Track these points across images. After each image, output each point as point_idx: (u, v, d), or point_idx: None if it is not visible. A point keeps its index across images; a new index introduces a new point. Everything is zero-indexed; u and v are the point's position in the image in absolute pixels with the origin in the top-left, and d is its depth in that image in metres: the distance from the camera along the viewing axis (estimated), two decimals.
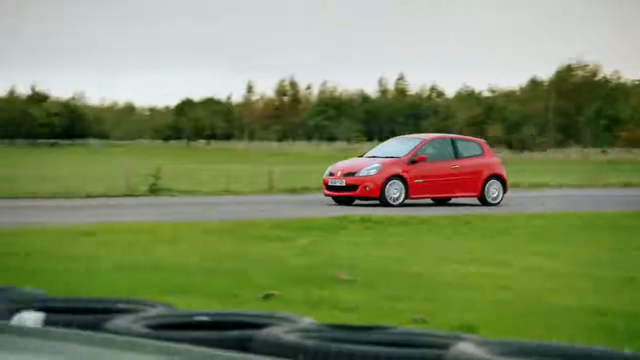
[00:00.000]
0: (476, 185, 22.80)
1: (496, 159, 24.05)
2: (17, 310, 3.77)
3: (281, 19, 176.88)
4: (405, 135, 26.49)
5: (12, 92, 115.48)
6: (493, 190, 22.94)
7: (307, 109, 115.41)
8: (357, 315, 7.74)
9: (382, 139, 59.46)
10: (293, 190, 26.90)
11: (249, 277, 9.88)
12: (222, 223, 16.13)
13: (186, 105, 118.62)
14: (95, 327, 3.58)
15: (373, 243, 13.60)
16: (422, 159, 22.38)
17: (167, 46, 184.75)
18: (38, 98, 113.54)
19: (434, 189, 22.53)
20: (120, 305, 4.08)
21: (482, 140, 24.75)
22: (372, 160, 22.69)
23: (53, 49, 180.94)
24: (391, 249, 12.90)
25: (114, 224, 15.69)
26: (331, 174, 22.28)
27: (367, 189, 21.67)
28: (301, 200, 23.66)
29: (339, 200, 22.33)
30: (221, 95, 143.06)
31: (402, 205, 21.53)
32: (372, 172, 21.83)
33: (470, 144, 23.89)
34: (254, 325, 3.70)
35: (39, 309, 3.73)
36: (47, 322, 3.65)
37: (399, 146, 23.55)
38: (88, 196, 23.94)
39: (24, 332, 3.51)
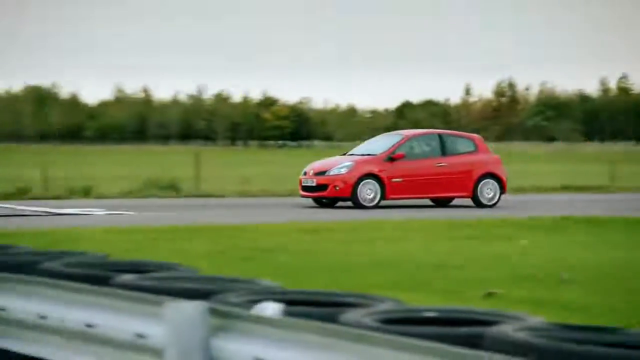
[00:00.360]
0: (467, 185, 20.37)
1: (493, 156, 21.28)
2: (258, 302, 3.89)
3: (490, 18, 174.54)
4: (392, 132, 23.75)
5: (245, 97, 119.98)
6: (487, 190, 20.46)
7: (525, 110, 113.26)
8: (585, 315, 7.47)
9: (602, 139, 57.20)
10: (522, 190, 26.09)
11: (473, 275, 9.78)
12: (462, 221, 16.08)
13: (406, 108, 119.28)
14: (329, 319, 3.63)
15: (596, 243, 13.10)
16: (401, 157, 20.06)
17: (386, 51, 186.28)
18: (268, 102, 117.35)
19: (416, 189, 20.15)
20: (351, 300, 4.12)
21: (477, 136, 21.98)
22: (346, 158, 20.70)
23: (281, 58, 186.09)
24: (612, 250, 12.38)
25: (337, 222, 15.95)
26: (305, 174, 20.37)
27: (337, 188, 19.62)
28: (524, 201, 23.04)
29: (320, 202, 20.41)
30: (439, 97, 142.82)
31: (377, 206, 19.49)
32: (343, 170, 19.77)
33: (462, 140, 21.36)
34: (483, 323, 3.64)
35: (277, 301, 3.83)
36: (285, 313, 3.75)
37: (379, 143, 21.27)
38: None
39: (264, 321, 3.62)
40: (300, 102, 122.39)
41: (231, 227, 14.87)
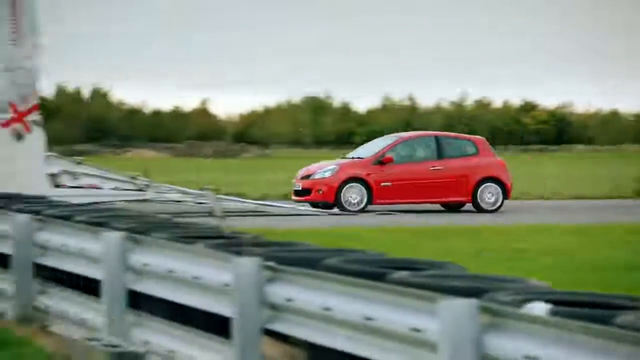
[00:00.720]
0: (465, 189, 18.80)
1: (496, 159, 19.65)
2: (528, 301, 3.89)
3: None
4: (389, 135, 21.52)
5: (505, 103, 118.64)
6: (488, 194, 18.83)
7: None
8: None
9: None
10: None
11: None
12: None
13: None
14: (601, 321, 3.56)
15: None
16: (389, 160, 18.78)
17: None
18: (528, 107, 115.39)
19: (406, 194, 18.68)
20: (626, 302, 4.01)
21: (480, 139, 20.22)
22: (332, 162, 19.70)
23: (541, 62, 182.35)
24: None
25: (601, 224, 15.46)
26: (295, 177, 19.47)
27: (321, 192, 18.49)
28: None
29: (315, 205, 18.99)
30: None
31: (363, 211, 18.29)
32: (327, 174, 18.69)
33: (462, 143, 19.78)
34: None
35: (547, 301, 3.81)
36: (552, 313, 3.72)
37: (372, 146, 19.96)
38: (575, 197, 23.83)
39: (535, 320, 3.61)
40: (561, 107, 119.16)
41: (490, 228, 14.81)
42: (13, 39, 17.67)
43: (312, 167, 19.62)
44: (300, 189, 19.12)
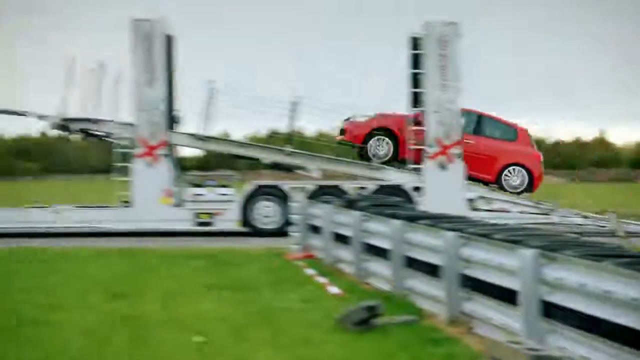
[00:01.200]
0: (492, 168, 19.27)
1: (531, 149, 19.55)
2: None
3: None
4: None
5: None
6: (514, 178, 19.17)
7: None
8: None
9: None
10: None
11: None
12: None
13: None
14: None
15: None
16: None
17: None
18: None
19: None
20: None
21: (522, 128, 19.79)
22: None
23: None
24: None
25: None
26: None
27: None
28: None
29: None
30: None
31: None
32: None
33: (503, 127, 19.58)
34: None
35: None
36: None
37: None
38: None
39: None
40: None
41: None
42: (442, 85, 19.41)
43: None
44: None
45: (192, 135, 20.66)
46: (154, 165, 19.87)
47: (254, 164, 24.65)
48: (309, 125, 30.01)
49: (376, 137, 19.56)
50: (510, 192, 19.50)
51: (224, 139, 22.96)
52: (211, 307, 9.44)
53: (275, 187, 20.01)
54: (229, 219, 19.87)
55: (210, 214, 19.86)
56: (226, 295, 10.32)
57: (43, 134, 53.77)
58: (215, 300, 9.90)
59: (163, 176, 19.84)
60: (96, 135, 21.41)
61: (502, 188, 19.67)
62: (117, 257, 14.44)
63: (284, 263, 13.79)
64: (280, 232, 18.54)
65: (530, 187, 19.58)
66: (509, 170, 19.48)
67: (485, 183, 19.97)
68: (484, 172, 19.66)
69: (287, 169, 21.25)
